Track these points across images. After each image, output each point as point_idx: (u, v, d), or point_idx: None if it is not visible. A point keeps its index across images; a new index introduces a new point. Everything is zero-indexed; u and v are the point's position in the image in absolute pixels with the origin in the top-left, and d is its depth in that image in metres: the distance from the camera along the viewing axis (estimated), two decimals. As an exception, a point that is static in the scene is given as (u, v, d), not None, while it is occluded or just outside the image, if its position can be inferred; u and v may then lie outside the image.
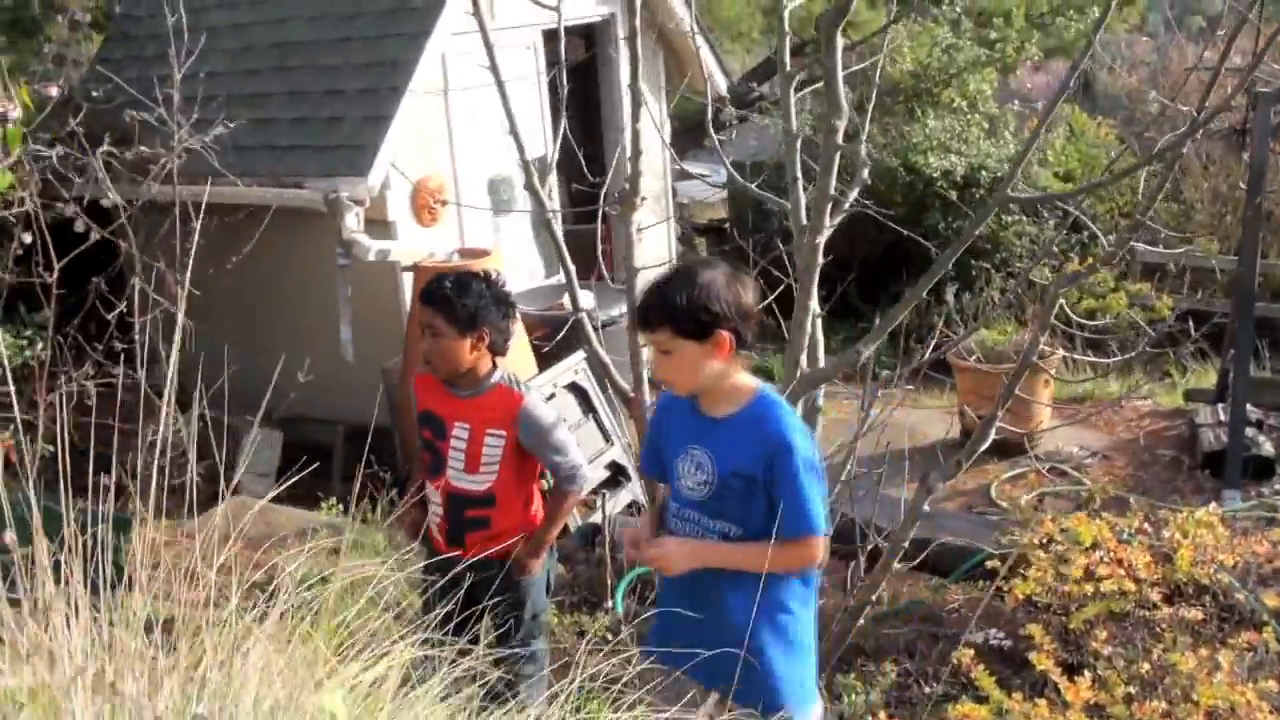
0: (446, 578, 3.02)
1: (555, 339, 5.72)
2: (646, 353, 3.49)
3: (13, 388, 2.86)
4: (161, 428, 4.90)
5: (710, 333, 2.87)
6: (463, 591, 3.16)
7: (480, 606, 3.50)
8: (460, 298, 3.51)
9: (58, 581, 2.15)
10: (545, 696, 3.42)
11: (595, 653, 3.03)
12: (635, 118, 4.54)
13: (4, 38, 6.44)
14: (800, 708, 3.13)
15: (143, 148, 5.63)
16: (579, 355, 6.47)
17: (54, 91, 4.72)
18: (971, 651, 3.49)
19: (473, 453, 3.60)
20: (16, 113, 4.07)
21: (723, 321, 2.86)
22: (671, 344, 2.89)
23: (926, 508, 4.15)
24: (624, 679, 2.93)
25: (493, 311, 3.56)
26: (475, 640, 3.41)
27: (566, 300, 5.17)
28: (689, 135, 11.11)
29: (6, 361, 5.45)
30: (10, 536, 1.65)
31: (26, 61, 5.79)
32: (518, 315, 3.80)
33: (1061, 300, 4.01)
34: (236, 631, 2.32)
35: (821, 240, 4.24)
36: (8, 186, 1.44)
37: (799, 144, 4.43)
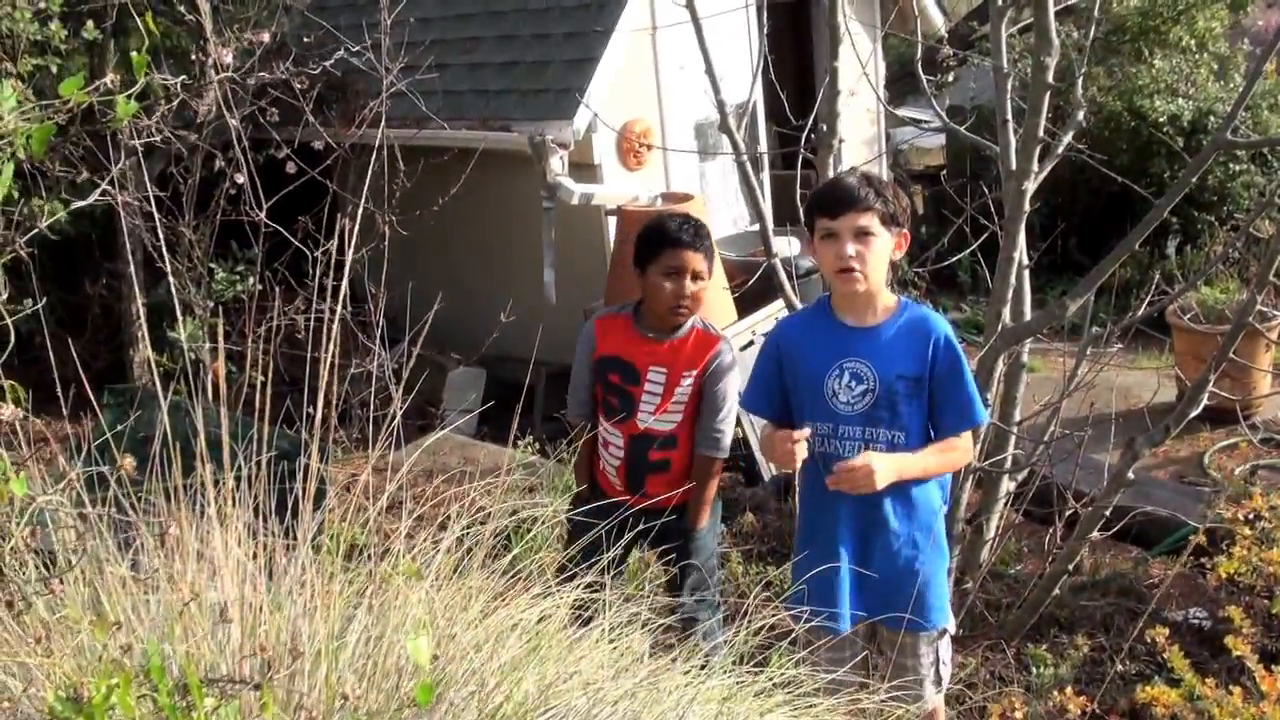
0: (615, 522, 3.01)
1: (747, 285, 5.64)
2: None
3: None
4: (377, 362, 5.10)
5: (901, 224, 2.94)
6: (630, 537, 3.16)
7: (647, 553, 3.52)
8: (709, 240, 3.59)
9: (236, 504, 2.24)
10: (720, 643, 3.44)
11: (769, 603, 3.01)
12: (834, 55, 4.40)
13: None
14: (947, 612, 3.19)
15: (353, 90, 5.83)
16: (779, 303, 6.37)
17: (265, 38, 4.91)
18: (1167, 631, 3.29)
19: (667, 394, 3.62)
20: (229, 59, 4.25)
21: (904, 219, 2.95)
22: (875, 228, 2.88)
23: (1131, 475, 3.93)
24: (792, 634, 2.90)
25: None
26: (641, 585, 3.45)
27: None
28: (909, 78, 10.77)
29: (220, 295, 5.77)
30: (130, 462, 1.72)
31: (244, 11, 6.02)
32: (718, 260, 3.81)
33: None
34: (406, 560, 2.38)
35: (1030, 187, 4.04)
36: (133, 114, 1.49)
37: (1010, 83, 4.21)
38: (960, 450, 3.07)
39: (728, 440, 3.68)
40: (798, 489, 3.36)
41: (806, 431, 2.93)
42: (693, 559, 3.66)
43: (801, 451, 2.91)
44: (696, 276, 3.53)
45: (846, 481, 2.88)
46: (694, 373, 3.60)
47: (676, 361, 3.61)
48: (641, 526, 3.19)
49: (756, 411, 3.31)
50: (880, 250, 2.91)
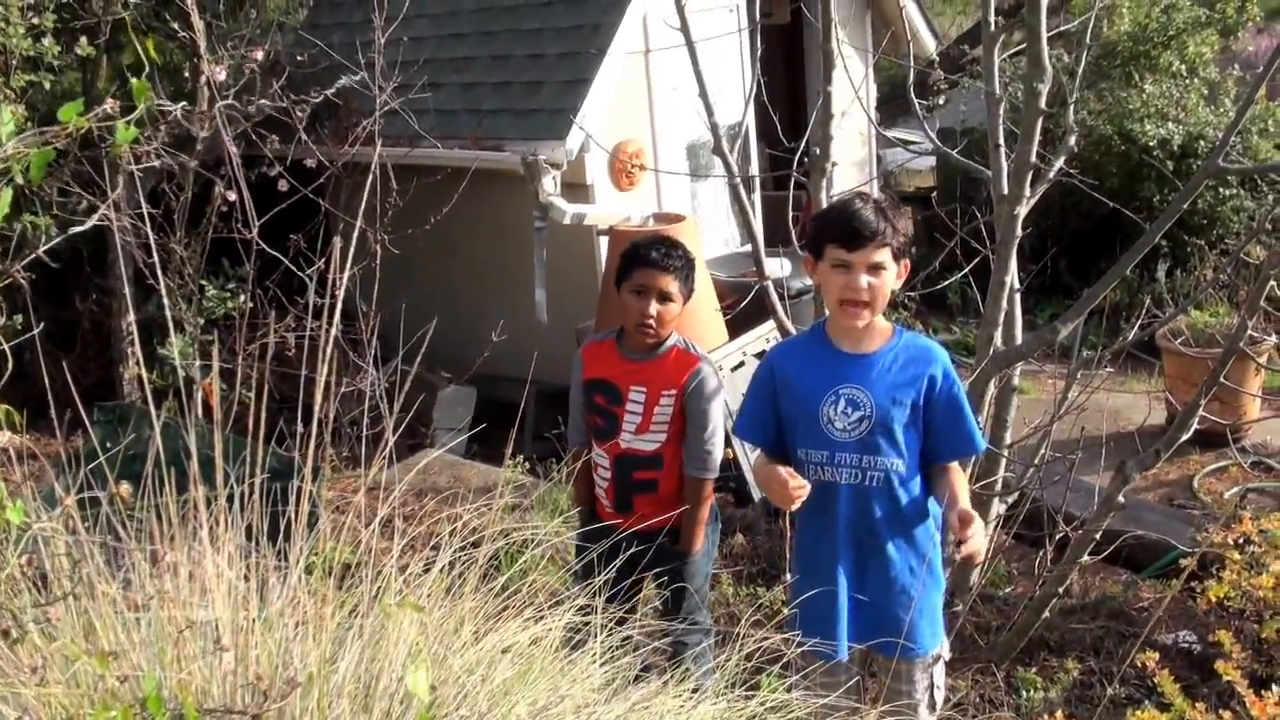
0: (608, 545, 3.01)
1: (740, 307, 5.65)
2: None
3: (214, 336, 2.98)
4: (369, 381, 5.09)
5: (906, 254, 2.95)
6: (623, 560, 3.15)
7: (641, 576, 3.51)
8: (685, 262, 3.62)
9: (228, 527, 2.23)
10: (711, 667, 3.43)
11: (761, 625, 3.00)
12: (827, 79, 4.41)
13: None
14: (941, 638, 3.19)
15: (346, 109, 5.83)
16: (771, 324, 6.39)
17: (259, 56, 4.92)
18: (1157, 654, 3.29)
19: (647, 414, 3.63)
20: (221, 76, 4.25)
21: (909, 248, 2.97)
22: (887, 262, 2.91)
23: (1121, 498, 3.94)
24: (785, 658, 2.90)
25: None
26: (635, 608, 3.45)
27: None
28: (900, 101, 10.82)
29: (211, 312, 5.76)
30: (126, 488, 1.71)
31: (239, 28, 6.04)
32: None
33: (1275, 283, 3.71)
34: (399, 583, 2.37)
35: (1021, 211, 4.05)
36: (132, 139, 1.49)
37: (1002, 108, 4.23)
38: (965, 476, 3.11)
39: (716, 460, 3.68)
40: (792, 515, 3.34)
41: (807, 486, 2.91)
42: (685, 582, 3.66)
43: (801, 498, 2.90)
44: (665, 298, 3.56)
45: (970, 554, 2.83)
46: (673, 392, 3.61)
47: (656, 380, 3.62)
48: (636, 550, 3.19)
49: (749, 439, 3.28)
50: (888, 283, 2.92)
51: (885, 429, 2.95)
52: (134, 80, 1.55)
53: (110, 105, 1.55)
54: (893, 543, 3.02)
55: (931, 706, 3.20)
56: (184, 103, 4.46)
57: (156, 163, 3.90)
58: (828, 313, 3.12)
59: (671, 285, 3.57)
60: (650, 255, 3.57)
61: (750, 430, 3.22)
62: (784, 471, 2.91)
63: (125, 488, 1.71)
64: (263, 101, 5.24)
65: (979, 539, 2.83)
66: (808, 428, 3.01)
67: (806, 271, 3.08)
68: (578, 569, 3.03)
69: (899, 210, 2.97)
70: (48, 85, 5.52)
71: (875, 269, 2.89)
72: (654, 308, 3.55)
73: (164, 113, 4.20)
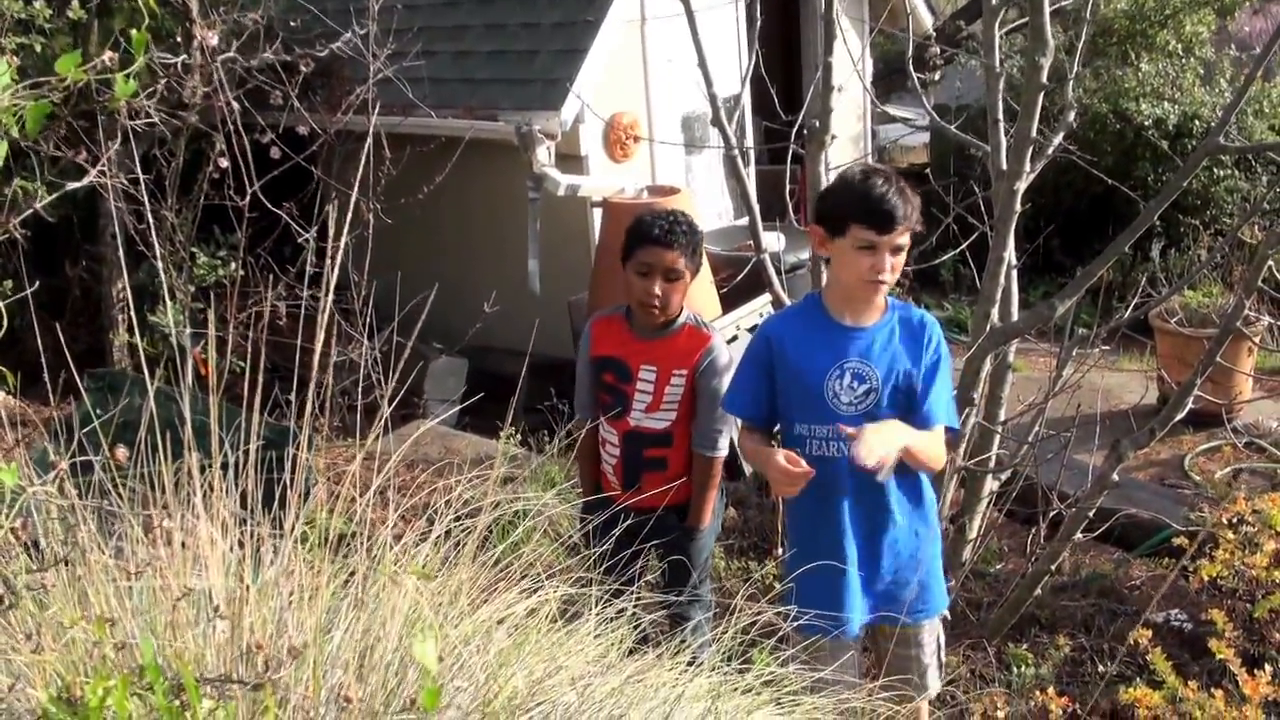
0: (611, 518, 2.99)
1: (735, 280, 5.64)
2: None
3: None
4: (364, 350, 5.07)
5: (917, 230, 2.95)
6: (626, 534, 3.14)
7: (643, 550, 3.49)
8: (691, 236, 3.52)
9: (222, 494, 2.21)
10: (709, 639, 3.43)
11: (754, 600, 2.99)
12: (828, 50, 4.38)
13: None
14: (945, 595, 3.23)
15: (339, 77, 5.78)
16: (765, 297, 6.37)
17: (251, 21, 4.86)
18: (1149, 632, 3.30)
19: (658, 393, 3.59)
20: (214, 40, 4.19)
21: (920, 225, 2.96)
22: (905, 242, 2.91)
23: (1115, 477, 3.94)
24: (779, 632, 2.89)
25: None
26: (632, 581, 3.43)
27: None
28: (894, 77, 10.79)
29: (202, 280, 5.72)
30: (122, 451, 1.69)
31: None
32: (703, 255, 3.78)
33: (1271, 263, 3.70)
34: (394, 553, 2.36)
35: (1020, 187, 4.03)
36: (131, 94, 1.45)
37: (1002, 83, 4.21)
38: (945, 442, 3.09)
39: (726, 439, 3.64)
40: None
41: (811, 472, 2.86)
42: (691, 557, 3.66)
43: (802, 484, 2.86)
44: (670, 275, 3.48)
45: (861, 453, 2.73)
46: (685, 370, 3.57)
47: (667, 359, 3.58)
48: (642, 525, 3.19)
49: (742, 415, 3.23)
50: (903, 261, 2.94)
51: (890, 400, 2.96)
52: (134, 32, 1.52)
53: (109, 57, 1.51)
54: (900, 510, 3.03)
55: (940, 668, 3.23)
56: (184, 56, 4.39)
57: (155, 118, 3.85)
58: (827, 284, 3.10)
59: (678, 261, 3.48)
60: (654, 233, 3.48)
61: (743, 405, 3.19)
62: (782, 456, 2.86)
63: (121, 450, 1.68)
64: (266, 54, 5.17)
65: (870, 445, 2.74)
66: (810, 403, 2.99)
67: (814, 245, 3.05)
68: (581, 542, 3.01)
69: (909, 186, 2.95)
70: (39, 48, 5.45)
71: (897, 250, 2.90)
72: (659, 287, 3.48)
73: (165, 66, 4.14)
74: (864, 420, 2.92)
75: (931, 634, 3.19)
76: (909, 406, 2.99)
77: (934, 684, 3.23)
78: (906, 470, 2.98)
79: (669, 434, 3.62)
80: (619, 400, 3.63)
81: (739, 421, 3.30)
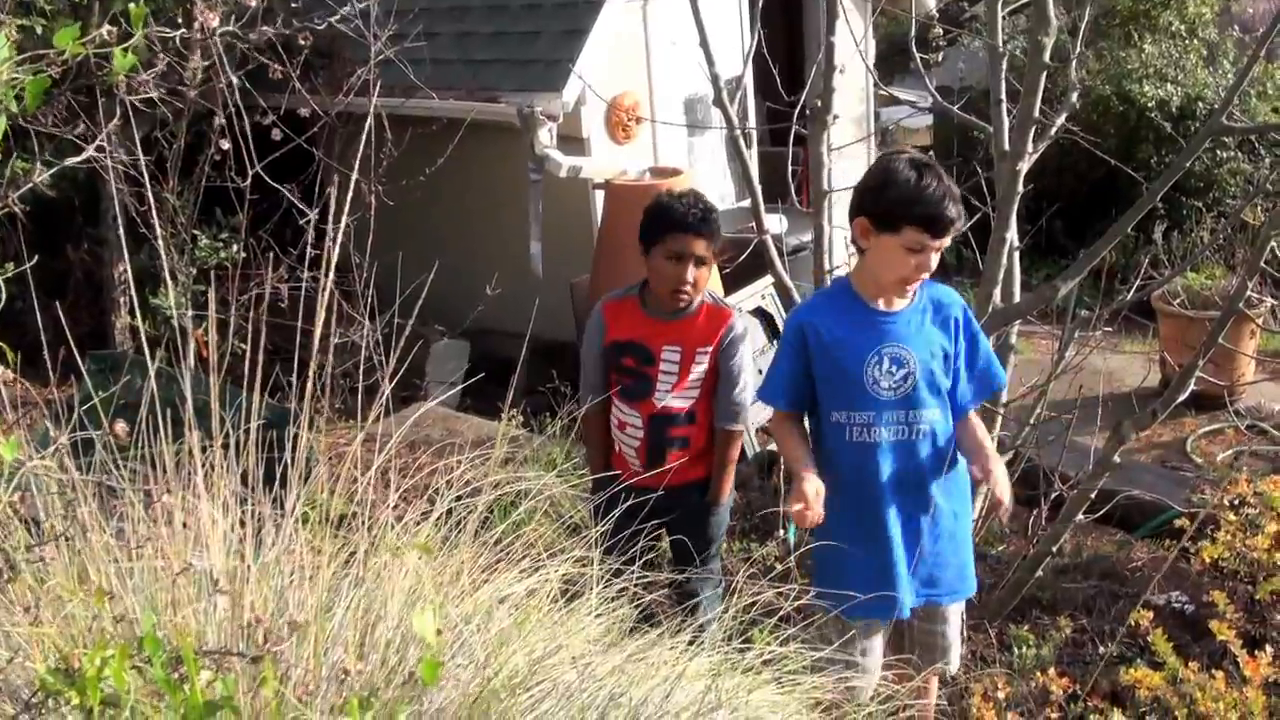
0: (638, 502, 2.99)
1: (736, 262, 5.63)
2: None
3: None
4: (366, 332, 5.07)
5: None
6: (652, 513, 3.17)
7: (665, 528, 3.51)
8: (717, 221, 3.51)
9: (224, 473, 2.22)
10: (716, 615, 3.44)
11: (755, 579, 2.99)
12: (830, 30, 4.37)
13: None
14: (974, 579, 3.25)
15: (340, 58, 5.76)
16: (767, 280, 6.36)
17: (253, 2, 4.84)
18: (1150, 614, 3.30)
19: (684, 372, 3.58)
20: (215, 22, 4.18)
21: None
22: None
23: (1117, 459, 3.94)
24: (782, 611, 2.89)
25: None
26: (652, 561, 3.45)
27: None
28: (897, 58, 10.75)
29: (204, 262, 5.71)
30: (122, 426, 1.69)
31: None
32: None
33: (1274, 244, 3.69)
34: (396, 533, 2.36)
35: (1023, 168, 4.02)
36: (130, 68, 1.45)
37: (1005, 63, 4.19)
38: (979, 421, 3.15)
39: (748, 412, 3.67)
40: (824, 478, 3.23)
41: (821, 515, 2.89)
42: (711, 532, 3.70)
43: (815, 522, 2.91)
44: (700, 262, 3.47)
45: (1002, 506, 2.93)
46: (709, 349, 3.56)
47: (690, 339, 3.56)
48: (663, 504, 3.20)
49: (778, 404, 3.17)
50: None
51: (928, 381, 2.96)
52: (132, 6, 1.51)
53: (107, 31, 1.51)
54: (941, 492, 3.03)
55: (961, 645, 3.25)
56: (182, 30, 4.36)
57: (154, 94, 3.84)
58: (858, 271, 3.06)
59: (707, 249, 3.47)
60: (687, 220, 3.44)
61: (780, 395, 3.15)
62: (814, 489, 2.87)
63: (120, 425, 1.68)
64: (264, 28, 5.14)
65: (1004, 486, 2.88)
66: (850, 390, 2.98)
67: (855, 235, 2.99)
68: (596, 522, 3.00)
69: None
70: (39, 30, 5.44)
71: (940, 248, 2.91)
72: (691, 273, 3.45)
73: (163, 40, 4.12)
74: (903, 404, 2.95)
75: (958, 613, 3.23)
76: (959, 381, 3.04)
77: (955, 662, 3.25)
78: (942, 455, 3.00)
79: (693, 412, 3.62)
80: (642, 383, 3.60)
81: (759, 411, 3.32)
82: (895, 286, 2.96)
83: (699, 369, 3.57)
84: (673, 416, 3.61)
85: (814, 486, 2.88)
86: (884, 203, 2.89)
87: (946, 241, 2.89)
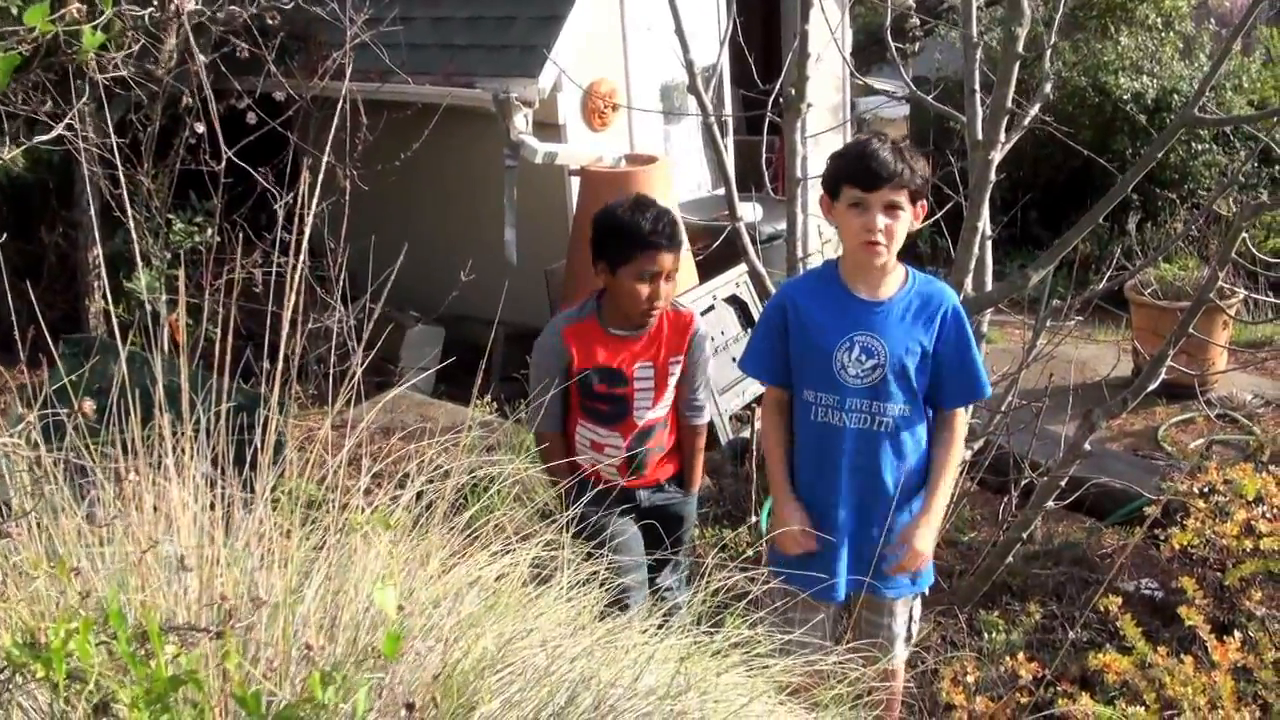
0: (626, 504, 3.02)
1: (709, 249, 5.64)
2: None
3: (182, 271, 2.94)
4: (338, 318, 5.06)
5: (923, 197, 2.94)
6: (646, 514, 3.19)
7: (665, 525, 3.54)
8: (680, 231, 3.44)
9: (193, 456, 2.21)
10: (688, 596, 3.46)
11: (724, 566, 3.01)
12: (805, 18, 4.37)
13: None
14: (929, 577, 3.25)
15: (315, 42, 5.73)
16: (741, 268, 6.38)
17: (228, -26, 4.82)
18: (1120, 600, 3.33)
19: (660, 385, 3.52)
20: (191, 4, 4.15)
21: (926, 190, 2.94)
22: (904, 203, 2.89)
23: (1087, 446, 3.97)
24: (751, 595, 2.91)
25: None
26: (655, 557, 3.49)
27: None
28: (875, 48, 10.78)
29: (178, 245, 5.68)
30: (90, 405, 1.69)
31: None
32: None
33: (1245, 236, 3.72)
34: (364, 517, 2.36)
35: (995, 156, 4.04)
36: (98, 46, 1.45)
37: (980, 54, 4.21)
38: (959, 438, 3.13)
39: (710, 402, 3.70)
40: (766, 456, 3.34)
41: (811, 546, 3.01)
42: (687, 519, 3.75)
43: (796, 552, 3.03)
44: (670, 276, 3.36)
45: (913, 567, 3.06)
46: (680, 357, 3.52)
47: (661, 351, 3.50)
48: (651, 503, 3.23)
49: (757, 376, 3.25)
50: (905, 225, 2.91)
51: (898, 376, 2.96)
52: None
53: (76, 8, 1.50)
54: (895, 486, 3.02)
55: (908, 639, 3.26)
56: (151, 8, 4.33)
57: (125, 73, 3.80)
58: (841, 253, 3.08)
59: (676, 261, 3.37)
60: (654, 238, 3.27)
61: (759, 368, 3.20)
62: (796, 517, 3.04)
63: (89, 404, 1.68)
64: (233, 8, 5.11)
65: (919, 555, 3.04)
66: (818, 371, 3.00)
67: (823, 213, 3.03)
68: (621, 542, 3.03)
69: (916, 152, 2.93)
70: (15, 10, 5.39)
71: (891, 209, 2.87)
72: (664, 290, 3.34)
73: (134, 18, 4.09)
74: (869, 394, 2.96)
75: (905, 608, 3.22)
76: (929, 382, 3.01)
77: (900, 655, 3.26)
78: (904, 451, 3.01)
79: (666, 418, 3.60)
80: (618, 405, 3.49)
81: (716, 392, 3.33)
82: (859, 255, 2.94)
83: (673, 379, 3.53)
84: (654, 427, 3.57)
85: (798, 516, 3.04)
86: (829, 170, 2.98)
87: (889, 197, 2.85)
